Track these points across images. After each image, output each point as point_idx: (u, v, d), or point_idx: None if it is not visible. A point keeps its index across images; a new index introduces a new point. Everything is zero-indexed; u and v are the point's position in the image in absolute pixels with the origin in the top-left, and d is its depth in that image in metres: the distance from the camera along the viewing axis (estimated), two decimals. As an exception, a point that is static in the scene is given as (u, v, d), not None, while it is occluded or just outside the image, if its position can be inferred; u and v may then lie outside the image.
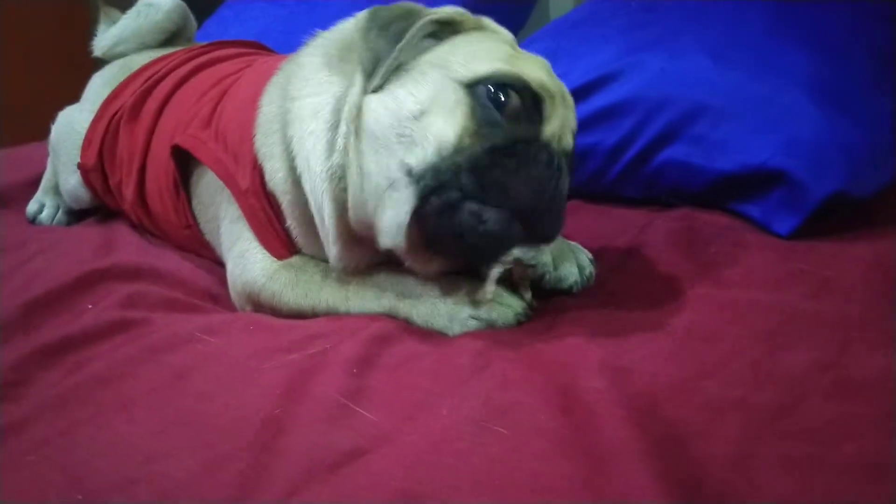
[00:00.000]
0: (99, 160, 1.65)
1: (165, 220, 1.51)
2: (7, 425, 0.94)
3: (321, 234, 1.19)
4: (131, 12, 1.87)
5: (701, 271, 1.24)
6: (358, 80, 1.09)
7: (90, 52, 1.92)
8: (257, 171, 1.23)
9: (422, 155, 1.00)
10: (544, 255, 1.20)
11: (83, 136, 1.69)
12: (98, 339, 1.13)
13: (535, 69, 1.06)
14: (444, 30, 1.09)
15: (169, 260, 1.44)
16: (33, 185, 1.89)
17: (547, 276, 1.19)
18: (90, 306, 1.24)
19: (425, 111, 1.01)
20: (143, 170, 1.55)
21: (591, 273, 1.22)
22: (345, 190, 1.11)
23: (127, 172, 1.58)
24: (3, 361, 1.08)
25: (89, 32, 1.96)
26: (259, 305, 1.25)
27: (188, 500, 0.79)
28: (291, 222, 1.23)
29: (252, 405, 0.94)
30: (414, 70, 1.05)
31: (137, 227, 1.63)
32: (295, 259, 1.25)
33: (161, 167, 1.48)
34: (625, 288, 1.22)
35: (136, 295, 1.27)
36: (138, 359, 1.07)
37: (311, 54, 1.24)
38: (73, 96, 1.85)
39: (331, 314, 1.19)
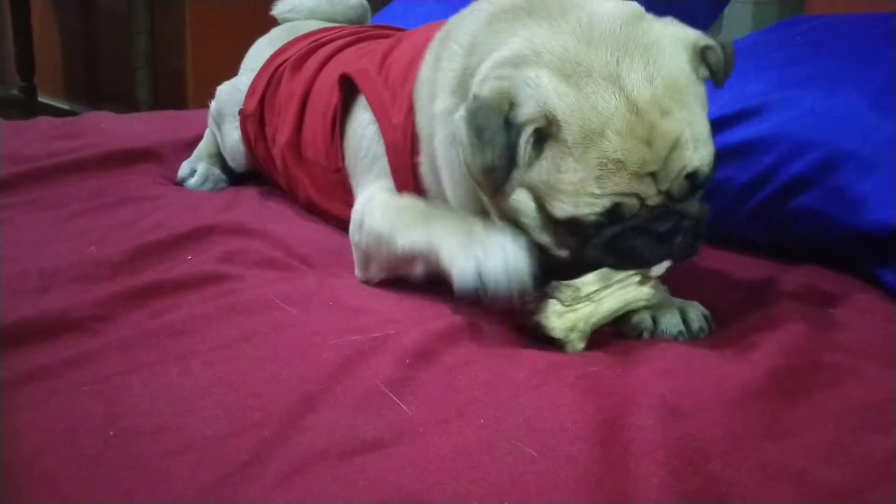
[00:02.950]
0: (259, 107, 1.72)
1: (316, 163, 1.54)
2: (77, 355, 1.00)
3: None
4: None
5: (812, 330, 1.12)
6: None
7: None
8: (412, 113, 1.28)
9: (553, 249, 1.09)
10: (642, 313, 1.13)
11: (244, 95, 1.77)
12: (186, 289, 1.18)
13: (617, 177, 1.02)
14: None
15: (279, 223, 1.49)
16: (188, 145, 2.00)
17: (645, 335, 1.12)
18: (190, 257, 1.30)
19: (542, 227, 1.08)
20: (300, 117, 1.59)
21: (701, 328, 1.13)
22: None
23: (283, 115, 1.63)
24: (97, 297, 1.14)
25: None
26: (361, 232, 1.27)
27: (205, 456, 0.80)
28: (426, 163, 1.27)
29: (299, 378, 0.95)
30: (526, 187, 1.07)
31: (264, 194, 1.70)
32: (413, 196, 1.27)
33: (319, 112, 1.53)
34: (725, 332, 1.13)
35: (236, 251, 1.32)
36: (214, 316, 1.10)
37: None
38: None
39: (399, 241, 1.18)
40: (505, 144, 1.03)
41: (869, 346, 1.08)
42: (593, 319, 1.06)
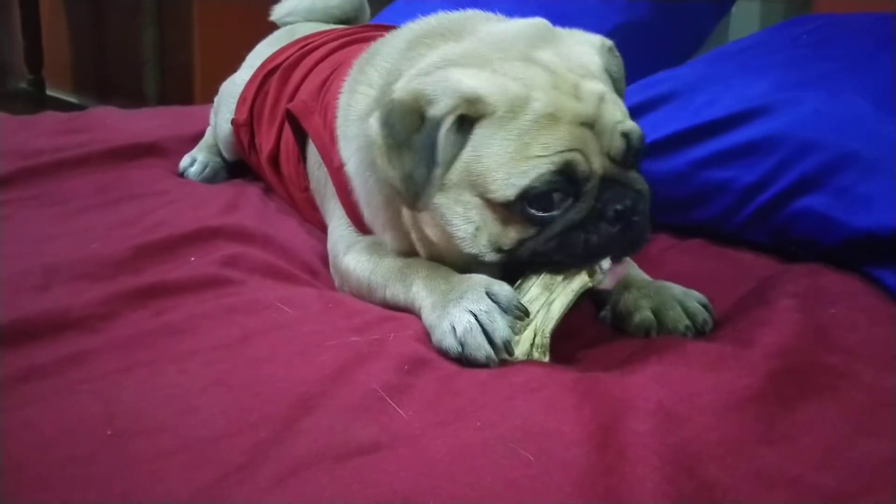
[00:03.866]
0: (250, 116, 1.74)
1: (290, 181, 1.58)
2: (77, 354, 1.00)
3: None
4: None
5: (811, 331, 1.12)
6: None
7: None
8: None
9: (489, 255, 1.07)
10: (644, 311, 1.14)
11: (241, 89, 1.79)
12: (188, 290, 1.18)
13: (555, 132, 1.01)
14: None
15: (281, 228, 1.49)
16: (192, 140, 2.00)
17: (652, 333, 1.13)
18: (192, 259, 1.30)
19: (479, 228, 1.06)
20: (280, 133, 1.61)
21: (705, 320, 1.14)
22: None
23: (267, 128, 1.65)
24: (99, 295, 1.14)
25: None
26: (342, 278, 1.27)
27: (201, 457, 0.80)
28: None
29: (297, 379, 0.95)
30: (453, 189, 1.05)
31: (266, 191, 1.71)
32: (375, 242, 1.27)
33: (290, 131, 1.54)
34: (723, 332, 1.13)
35: (238, 256, 1.31)
36: (214, 316, 1.10)
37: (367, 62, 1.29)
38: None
39: (386, 292, 1.18)
40: (422, 144, 1.02)
41: (868, 349, 1.08)
42: (549, 328, 1.03)
